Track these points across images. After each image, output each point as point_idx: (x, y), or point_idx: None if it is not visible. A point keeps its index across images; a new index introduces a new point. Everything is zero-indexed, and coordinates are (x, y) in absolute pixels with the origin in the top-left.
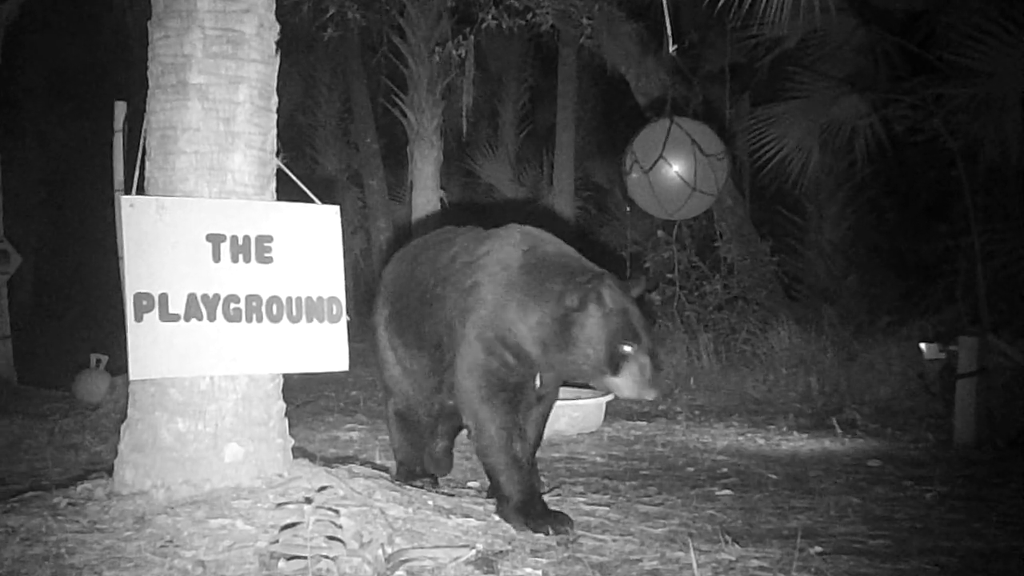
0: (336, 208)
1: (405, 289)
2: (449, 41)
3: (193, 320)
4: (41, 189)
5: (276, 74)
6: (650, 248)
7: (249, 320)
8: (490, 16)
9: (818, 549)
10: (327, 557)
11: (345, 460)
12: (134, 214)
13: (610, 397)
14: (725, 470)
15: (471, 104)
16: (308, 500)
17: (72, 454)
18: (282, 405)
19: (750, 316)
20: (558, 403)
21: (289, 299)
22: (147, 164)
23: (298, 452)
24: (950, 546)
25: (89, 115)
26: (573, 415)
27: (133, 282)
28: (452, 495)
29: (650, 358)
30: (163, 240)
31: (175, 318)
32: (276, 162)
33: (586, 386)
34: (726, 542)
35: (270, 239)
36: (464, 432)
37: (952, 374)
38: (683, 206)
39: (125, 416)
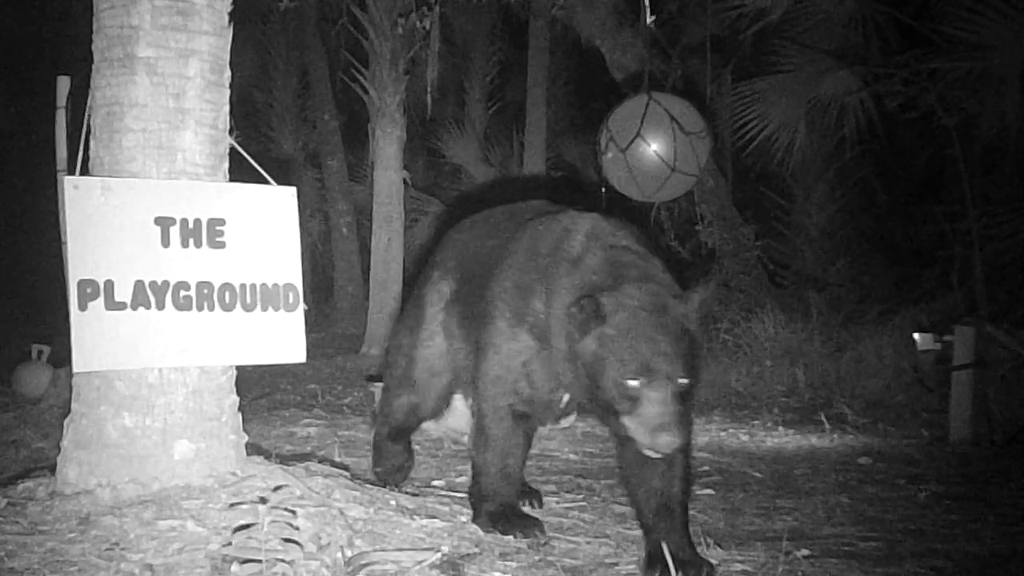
0: (293, 190)
1: (476, 268)
2: (413, 12)
3: (141, 309)
4: None
5: (229, 47)
6: None
7: (200, 308)
8: None
9: (805, 552)
10: (283, 561)
11: (302, 457)
12: (78, 196)
13: None
14: (706, 468)
15: (436, 79)
16: (263, 500)
17: (12, 451)
18: (235, 399)
19: (733, 304)
20: None
21: (243, 286)
22: (92, 143)
23: (252, 449)
24: (945, 549)
25: (30, 91)
26: None
27: (77, 268)
28: (416, 495)
29: (670, 396)
30: (109, 224)
31: (121, 306)
32: (229, 140)
33: None
34: (707, 545)
35: (222, 222)
36: (425, 425)
37: (947, 366)
38: (662, 187)
39: (68, 411)
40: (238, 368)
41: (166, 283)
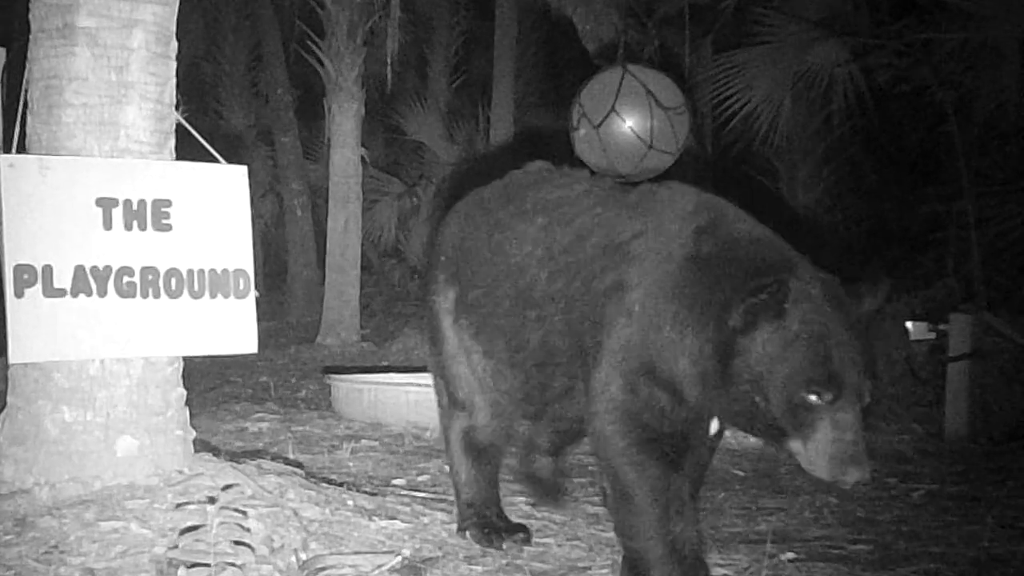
0: (243, 168)
1: (484, 266)
2: None
3: (81, 296)
4: None
5: (175, 17)
6: None
7: (145, 296)
8: None
9: (790, 555)
10: (233, 564)
11: (254, 455)
12: (14, 175)
13: None
14: None
15: (396, 51)
16: (212, 500)
17: None
18: (182, 392)
19: None
20: None
21: (190, 272)
22: (29, 119)
23: (200, 445)
24: (940, 551)
25: None
26: None
27: (13, 253)
28: (375, 494)
29: (855, 417)
30: (47, 205)
31: (61, 293)
32: (175, 116)
33: None
34: None
35: (169, 204)
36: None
37: (943, 357)
38: (638, 166)
39: (3, 404)
40: (185, 359)
41: (108, 268)
